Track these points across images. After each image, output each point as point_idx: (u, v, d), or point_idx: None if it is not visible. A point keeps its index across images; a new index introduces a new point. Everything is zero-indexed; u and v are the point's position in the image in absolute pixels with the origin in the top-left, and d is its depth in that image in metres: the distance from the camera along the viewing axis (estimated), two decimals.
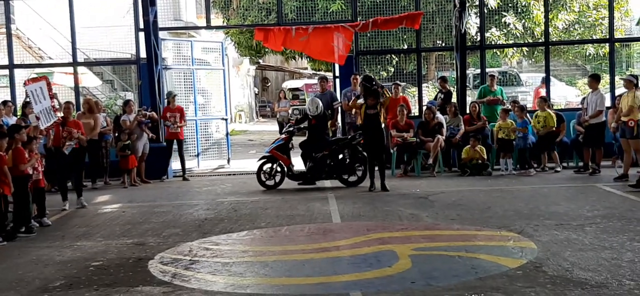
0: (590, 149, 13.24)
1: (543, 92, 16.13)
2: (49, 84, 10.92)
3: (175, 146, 14.68)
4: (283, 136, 13.25)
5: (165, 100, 14.78)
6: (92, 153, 13.55)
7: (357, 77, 14.83)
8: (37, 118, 10.27)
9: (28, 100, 11.07)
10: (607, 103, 13.84)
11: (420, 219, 9.31)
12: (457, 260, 6.93)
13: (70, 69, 15.93)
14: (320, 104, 13.00)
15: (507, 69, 24.09)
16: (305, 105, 13.27)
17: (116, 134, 14.06)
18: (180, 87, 16.00)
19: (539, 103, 14.00)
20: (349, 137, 13.18)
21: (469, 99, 15.43)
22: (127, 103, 14.32)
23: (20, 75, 15.41)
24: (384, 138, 12.37)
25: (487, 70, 16.56)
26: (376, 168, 12.15)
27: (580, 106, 14.22)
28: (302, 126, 13.33)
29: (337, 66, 15.91)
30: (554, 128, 13.62)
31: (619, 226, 8.22)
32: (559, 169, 13.59)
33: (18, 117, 12.81)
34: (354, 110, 14.37)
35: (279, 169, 12.80)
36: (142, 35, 14.84)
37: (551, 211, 9.39)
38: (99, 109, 13.99)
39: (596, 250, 7.06)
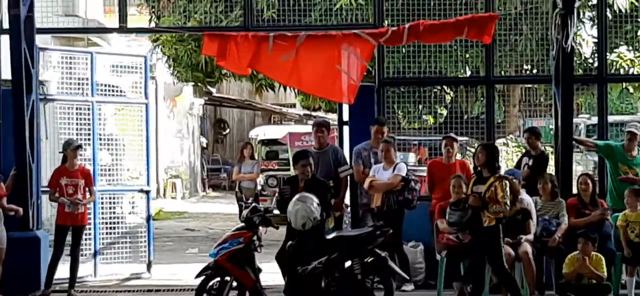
0: None
1: None
2: None
3: (69, 238, 10.84)
4: (241, 232, 9.53)
5: (61, 154, 10.81)
6: None
7: (383, 127, 10.95)
8: None
9: None
10: None
11: None
12: None
13: None
14: (314, 209, 9.17)
15: None
16: (286, 171, 11.79)
17: None
18: (70, 131, 11.74)
19: None
20: (364, 233, 9.59)
21: (578, 169, 11.71)
22: None
23: None
24: (499, 242, 9.17)
25: (622, 119, 12.96)
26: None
27: None
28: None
29: (345, 104, 11.86)
30: None
31: None
32: None
33: None
34: (367, 183, 10.89)
35: (235, 284, 9.36)
36: (4, 40, 11.03)
37: None
38: None
39: None
